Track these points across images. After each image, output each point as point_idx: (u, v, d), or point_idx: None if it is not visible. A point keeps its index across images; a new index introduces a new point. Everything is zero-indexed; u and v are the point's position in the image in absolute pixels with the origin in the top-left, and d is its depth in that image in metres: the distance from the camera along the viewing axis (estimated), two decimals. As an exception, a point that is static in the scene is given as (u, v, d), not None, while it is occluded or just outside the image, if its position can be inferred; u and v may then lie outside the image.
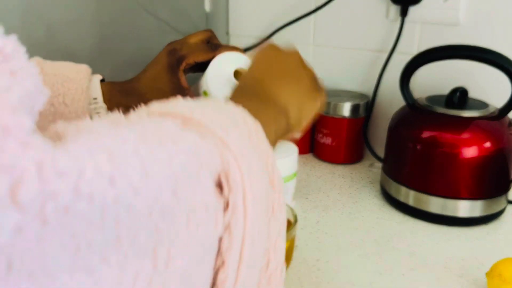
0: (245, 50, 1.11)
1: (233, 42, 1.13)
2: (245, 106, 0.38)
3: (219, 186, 0.30)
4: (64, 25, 0.76)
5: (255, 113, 0.37)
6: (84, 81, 0.61)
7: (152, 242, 0.24)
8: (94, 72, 0.81)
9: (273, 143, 0.42)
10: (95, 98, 0.63)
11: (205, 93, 0.63)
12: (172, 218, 0.25)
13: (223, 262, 0.30)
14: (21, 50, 0.24)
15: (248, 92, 0.46)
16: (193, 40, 0.66)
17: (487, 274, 0.58)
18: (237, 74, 0.62)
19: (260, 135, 0.35)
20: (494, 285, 0.56)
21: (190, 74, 0.70)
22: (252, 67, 0.50)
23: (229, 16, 1.12)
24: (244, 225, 0.30)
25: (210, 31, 0.68)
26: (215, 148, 0.30)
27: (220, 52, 0.64)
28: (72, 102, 0.60)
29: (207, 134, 0.30)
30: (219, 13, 1.12)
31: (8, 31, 0.69)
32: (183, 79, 0.63)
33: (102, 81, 0.65)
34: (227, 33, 1.13)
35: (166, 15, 0.95)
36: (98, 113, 0.63)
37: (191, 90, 0.64)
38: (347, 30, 0.99)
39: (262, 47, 0.52)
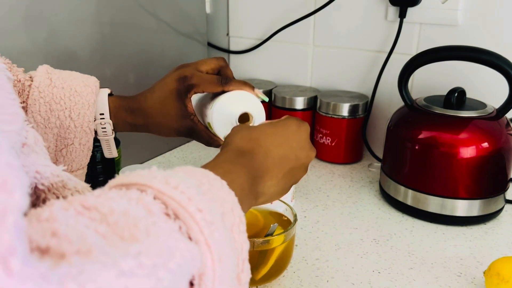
0: (245, 51, 1.12)
1: (233, 43, 1.14)
2: (234, 182, 0.40)
3: (191, 282, 0.32)
4: (65, 26, 0.76)
5: (241, 194, 0.40)
6: (91, 96, 0.61)
7: None
8: (95, 72, 0.82)
9: None
10: (101, 114, 0.63)
11: (209, 125, 0.64)
12: None
13: None
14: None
15: (244, 157, 0.46)
16: (205, 68, 0.65)
17: (485, 273, 0.59)
18: (242, 117, 0.63)
19: (242, 227, 0.36)
20: (492, 283, 0.57)
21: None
22: (264, 137, 0.49)
23: (230, 18, 1.12)
24: None
25: (223, 60, 0.68)
26: (198, 251, 0.31)
27: (230, 87, 0.63)
28: (78, 116, 0.60)
29: (195, 229, 0.31)
30: (220, 14, 1.12)
31: (10, 32, 0.70)
32: (190, 105, 0.64)
33: (110, 95, 0.66)
34: (227, 35, 1.14)
35: (166, 16, 0.96)
36: (104, 128, 0.64)
37: (196, 116, 0.66)
38: (347, 31, 1.00)
39: (282, 120, 0.53)
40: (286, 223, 0.63)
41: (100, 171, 0.75)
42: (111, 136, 0.65)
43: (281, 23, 1.04)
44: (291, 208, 0.63)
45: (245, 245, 0.37)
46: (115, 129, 0.65)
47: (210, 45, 1.14)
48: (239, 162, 0.45)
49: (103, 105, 0.63)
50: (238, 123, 0.62)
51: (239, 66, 1.15)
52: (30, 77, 0.60)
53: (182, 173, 0.36)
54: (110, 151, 0.68)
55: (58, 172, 0.41)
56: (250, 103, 0.63)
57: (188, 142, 1.07)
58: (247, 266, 0.37)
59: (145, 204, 0.30)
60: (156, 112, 0.64)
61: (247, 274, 0.37)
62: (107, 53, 0.85)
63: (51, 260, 0.23)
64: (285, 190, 0.51)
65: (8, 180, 0.22)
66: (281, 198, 0.66)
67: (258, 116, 0.63)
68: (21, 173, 0.23)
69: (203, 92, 0.63)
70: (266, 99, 0.65)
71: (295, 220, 0.61)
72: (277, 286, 0.61)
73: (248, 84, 0.64)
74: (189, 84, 0.63)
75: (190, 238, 0.31)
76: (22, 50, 0.71)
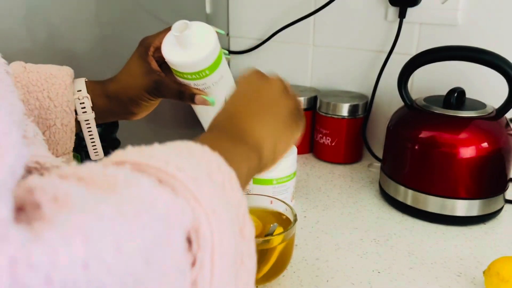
0: (245, 51, 1.12)
1: (233, 43, 1.14)
2: (216, 145, 0.38)
3: (189, 240, 0.31)
4: (65, 26, 0.76)
5: (227, 153, 0.38)
6: (67, 78, 0.62)
7: None
8: (95, 72, 0.82)
9: (245, 183, 0.43)
10: (79, 90, 0.63)
11: (175, 67, 0.62)
12: (145, 285, 0.26)
13: None
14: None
15: (220, 127, 0.46)
16: (164, 33, 0.66)
17: (485, 272, 0.59)
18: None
19: (234, 183, 0.35)
20: (492, 283, 0.57)
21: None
22: (231, 97, 0.49)
23: (230, 17, 1.12)
24: (210, 280, 0.31)
25: None
26: (187, 205, 0.30)
27: None
28: (57, 96, 0.60)
29: (180, 188, 0.30)
30: (220, 14, 1.12)
31: (10, 32, 0.70)
32: (154, 63, 0.64)
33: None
34: (228, 35, 1.14)
35: (166, 16, 0.96)
36: (82, 103, 0.63)
37: (165, 75, 0.64)
38: (347, 31, 1.00)
39: (245, 73, 0.51)
40: (286, 223, 0.63)
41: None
42: (91, 115, 0.64)
43: (281, 23, 1.04)
44: (291, 208, 0.63)
45: (243, 201, 0.36)
46: (93, 107, 0.64)
47: (210, 45, 1.14)
48: (215, 133, 0.45)
49: (80, 83, 0.64)
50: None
51: (239, 66, 1.15)
52: None
53: (158, 146, 0.35)
54: (95, 150, 0.67)
55: (57, 163, 0.41)
56: (204, 26, 0.63)
57: (188, 142, 1.07)
58: (248, 221, 0.36)
59: (123, 169, 0.30)
60: (124, 76, 0.65)
61: (250, 228, 0.36)
62: (107, 53, 0.85)
63: (25, 222, 0.22)
64: (283, 128, 0.48)
65: (1, 145, 0.21)
66: (281, 198, 0.67)
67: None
68: (19, 144, 0.23)
69: (160, 44, 0.63)
70: (223, 32, 0.67)
71: (295, 220, 0.61)
72: (277, 286, 0.61)
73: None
74: (147, 42, 0.65)
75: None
76: (22, 50, 0.71)
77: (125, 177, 0.28)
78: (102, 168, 0.29)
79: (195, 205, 0.30)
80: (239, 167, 0.39)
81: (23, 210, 0.24)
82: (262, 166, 0.45)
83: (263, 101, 0.48)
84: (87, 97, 0.64)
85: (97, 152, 0.68)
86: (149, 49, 0.64)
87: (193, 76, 0.62)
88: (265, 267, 0.58)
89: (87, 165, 0.30)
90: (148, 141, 1.01)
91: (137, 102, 0.65)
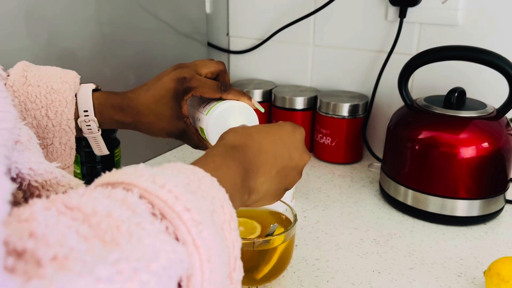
0: (245, 51, 1.12)
1: (233, 43, 1.14)
2: (225, 171, 0.40)
3: (179, 284, 0.31)
4: (66, 26, 0.76)
5: (230, 186, 0.39)
6: (69, 93, 0.59)
7: None
8: (94, 72, 0.82)
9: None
10: (85, 111, 0.61)
11: (202, 130, 0.63)
12: None
13: None
14: None
15: (237, 152, 0.45)
16: (204, 71, 0.64)
17: (485, 273, 0.59)
18: None
19: (233, 224, 0.36)
20: (492, 284, 0.57)
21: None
22: (258, 134, 0.49)
23: (229, 17, 1.12)
24: None
25: (223, 65, 0.67)
26: (185, 252, 0.30)
27: (229, 95, 0.62)
28: (56, 115, 0.58)
29: (183, 230, 0.31)
30: (220, 14, 1.12)
31: (10, 33, 0.70)
32: (185, 107, 0.63)
33: (96, 90, 0.63)
34: (227, 34, 1.13)
35: (166, 16, 0.96)
36: (88, 125, 0.61)
37: (189, 118, 0.64)
38: (347, 31, 1.00)
39: (277, 123, 0.52)
40: (286, 223, 0.63)
41: (100, 171, 0.75)
42: (97, 134, 0.63)
43: (281, 23, 1.04)
44: (291, 208, 0.63)
45: (237, 243, 0.36)
46: (101, 126, 0.63)
47: (210, 45, 1.14)
48: (231, 156, 0.44)
49: (86, 102, 0.61)
50: None
51: (239, 66, 1.14)
52: (8, 75, 0.58)
53: (170, 171, 0.35)
54: (99, 148, 0.65)
55: (51, 169, 0.41)
56: (248, 115, 0.62)
57: (188, 142, 1.07)
58: (239, 265, 0.36)
59: (129, 205, 0.29)
60: (149, 111, 0.62)
61: (239, 273, 0.36)
62: (107, 53, 0.85)
63: (22, 276, 0.22)
64: (278, 192, 0.50)
65: None
66: (281, 198, 0.67)
67: None
68: (4, 180, 0.22)
69: (200, 95, 0.62)
70: (262, 110, 0.65)
71: (295, 220, 0.61)
72: (277, 286, 0.61)
73: (246, 95, 0.63)
74: (188, 86, 0.61)
75: (177, 239, 0.30)
76: (22, 51, 0.71)
77: (128, 226, 0.28)
78: (109, 204, 0.29)
79: (193, 251, 0.31)
80: (236, 205, 0.40)
81: (23, 258, 0.23)
82: (241, 205, 0.46)
83: (282, 153, 0.49)
84: (94, 121, 0.61)
85: (100, 150, 0.66)
86: (187, 95, 0.62)
87: None
88: (265, 267, 0.58)
89: (94, 195, 0.29)
90: (147, 141, 1.01)
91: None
